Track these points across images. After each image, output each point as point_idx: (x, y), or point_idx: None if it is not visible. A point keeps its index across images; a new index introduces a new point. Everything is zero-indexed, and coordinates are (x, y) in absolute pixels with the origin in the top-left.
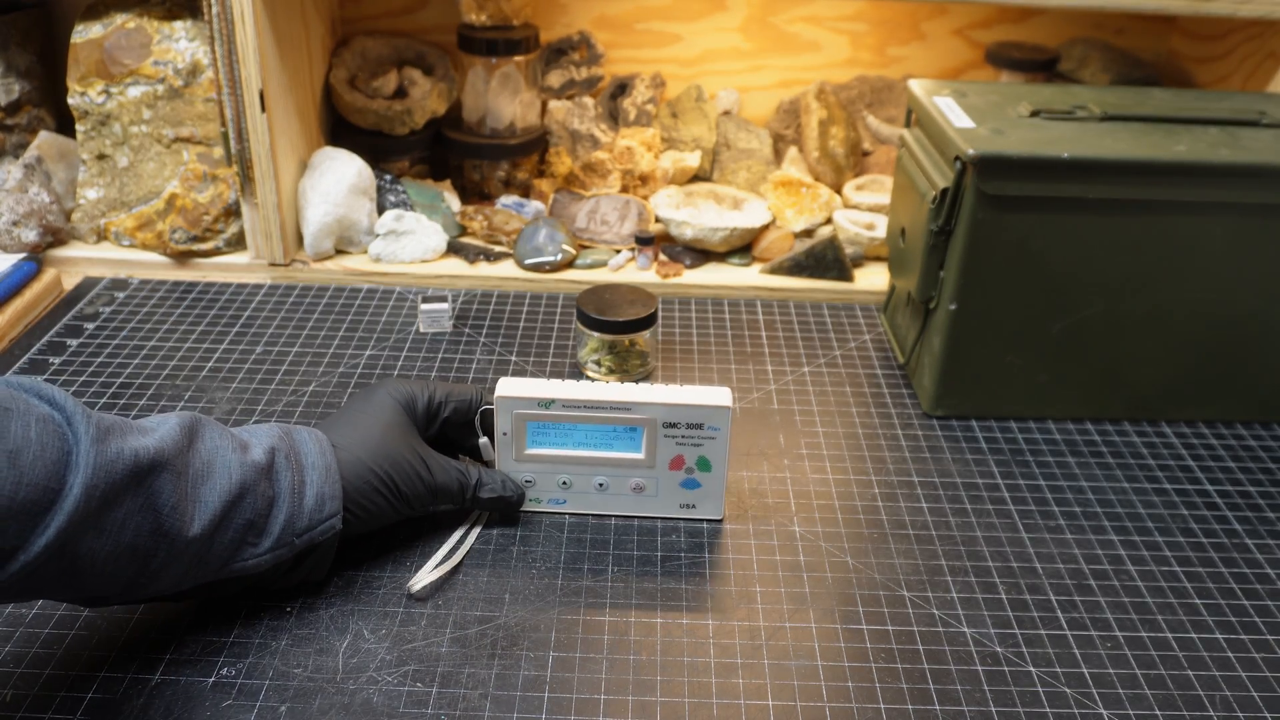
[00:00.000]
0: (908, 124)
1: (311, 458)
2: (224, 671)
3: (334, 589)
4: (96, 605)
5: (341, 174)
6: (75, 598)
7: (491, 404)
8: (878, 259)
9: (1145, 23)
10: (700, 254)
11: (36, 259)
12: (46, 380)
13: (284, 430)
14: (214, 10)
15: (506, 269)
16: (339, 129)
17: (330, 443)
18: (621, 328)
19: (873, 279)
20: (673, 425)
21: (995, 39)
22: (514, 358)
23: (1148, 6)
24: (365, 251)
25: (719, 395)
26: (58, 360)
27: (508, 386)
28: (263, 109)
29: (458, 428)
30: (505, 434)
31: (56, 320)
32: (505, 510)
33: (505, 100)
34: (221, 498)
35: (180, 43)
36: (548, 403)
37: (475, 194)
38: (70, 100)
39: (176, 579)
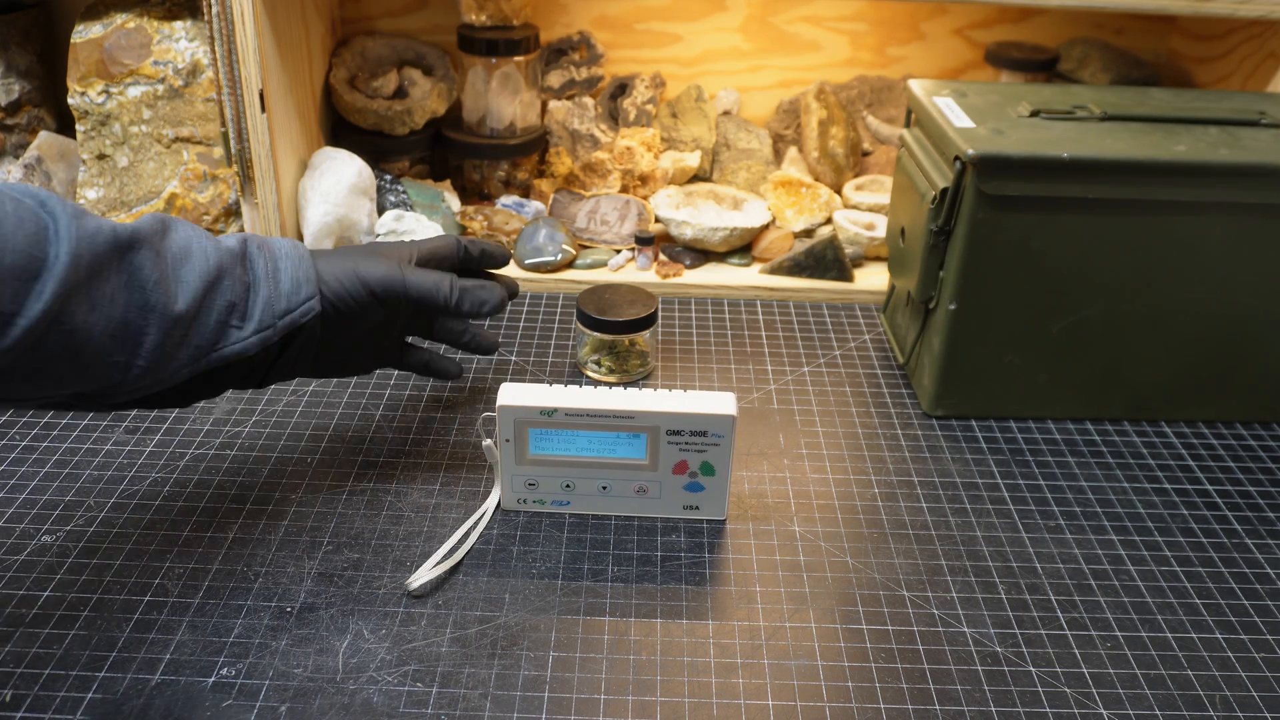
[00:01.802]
0: (908, 124)
1: (284, 249)
2: (224, 671)
3: (334, 589)
4: (105, 402)
5: (341, 174)
6: (83, 388)
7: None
8: (878, 259)
9: (1145, 23)
10: (700, 254)
11: None
12: None
13: (258, 235)
14: (214, 10)
15: (506, 269)
16: (339, 129)
17: (304, 246)
18: (621, 328)
19: (873, 279)
20: (676, 433)
21: (995, 39)
22: (514, 358)
23: (1148, 6)
24: None
25: (723, 403)
26: None
27: (510, 394)
28: (263, 109)
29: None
30: (508, 440)
31: None
32: (491, 305)
33: (505, 100)
34: (201, 277)
35: (180, 43)
36: (550, 411)
37: (475, 194)
38: (70, 100)
39: (172, 363)
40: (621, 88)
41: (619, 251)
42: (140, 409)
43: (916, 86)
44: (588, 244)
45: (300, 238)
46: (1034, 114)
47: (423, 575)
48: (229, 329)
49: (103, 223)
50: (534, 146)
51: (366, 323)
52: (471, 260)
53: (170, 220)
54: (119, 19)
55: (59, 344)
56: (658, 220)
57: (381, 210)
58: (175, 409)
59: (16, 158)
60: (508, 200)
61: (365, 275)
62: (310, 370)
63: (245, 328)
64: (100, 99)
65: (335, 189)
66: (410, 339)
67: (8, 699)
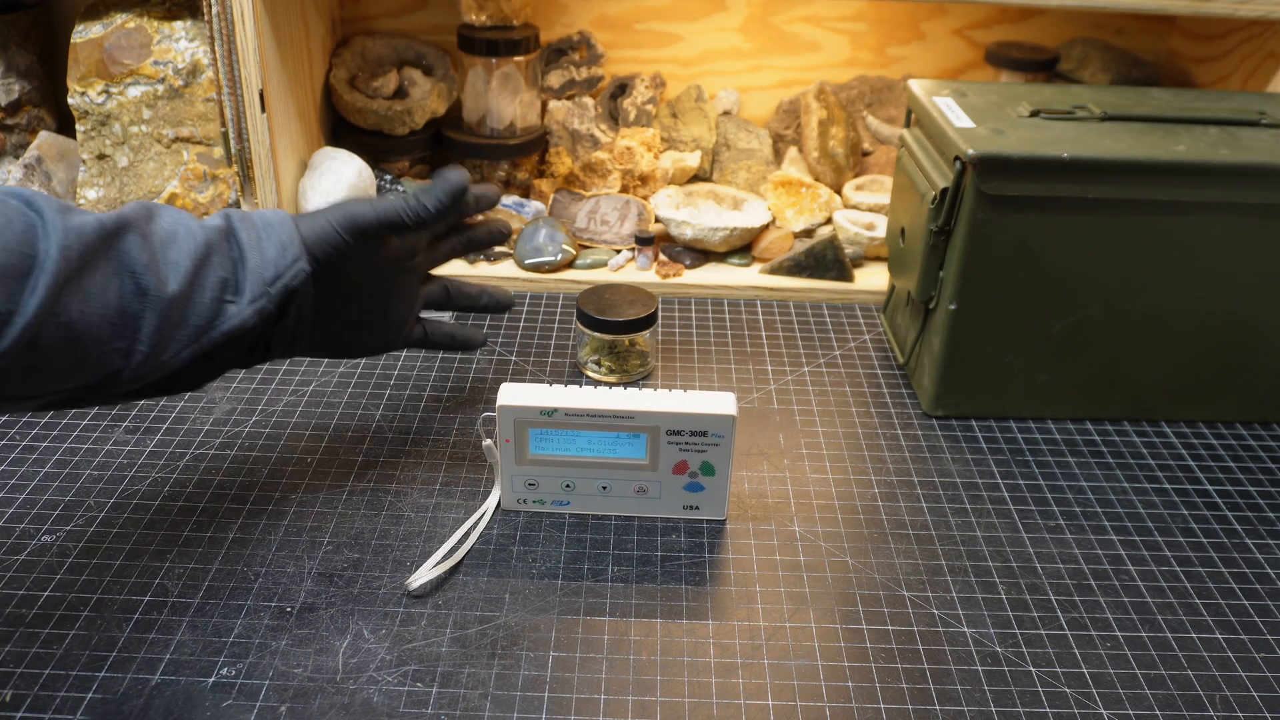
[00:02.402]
0: (908, 124)
1: (266, 218)
2: (224, 671)
3: (334, 589)
4: (111, 392)
5: (341, 174)
6: (86, 380)
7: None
8: (878, 259)
9: (1145, 23)
10: (700, 254)
11: None
12: None
13: (239, 210)
14: (214, 10)
15: (506, 269)
16: (339, 129)
17: (286, 213)
18: (621, 328)
19: (873, 279)
20: (676, 433)
21: (995, 39)
22: (514, 358)
23: (1148, 6)
24: None
25: (723, 403)
26: None
27: (510, 394)
28: (263, 109)
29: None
30: (508, 440)
31: None
32: (452, 195)
33: (505, 100)
34: (190, 256)
35: (180, 43)
36: (550, 412)
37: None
38: (70, 100)
39: (172, 344)
40: (621, 88)
41: (619, 251)
42: (148, 397)
43: (916, 86)
44: (588, 244)
45: None
46: (1034, 114)
47: (423, 575)
48: (224, 304)
49: (88, 215)
50: (534, 146)
51: (361, 276)
52: (467, 208)
53: (154, 206)
54: (119, 19)
55: (57, 337)
56: (658, 220)
57: None
58: (183, 396)
59: (16, 158)
60: (508, 200)
61: (336, 218)
62: (318, 342)
63: (240, 301)
64: (100, 99)
65: (335, 189)
66: (427, 316)
67: (8, 699)
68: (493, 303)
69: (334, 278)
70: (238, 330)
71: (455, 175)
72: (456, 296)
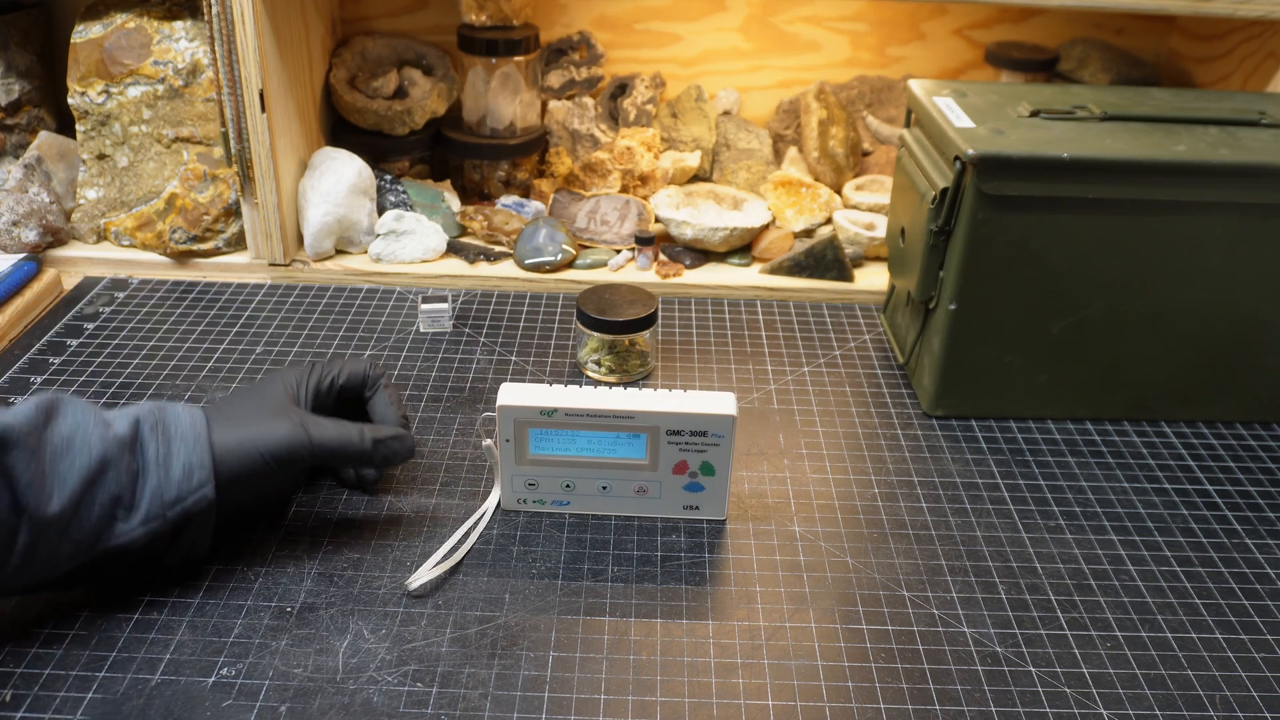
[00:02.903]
0: (908, 124)
1: (181, 429)
2: (224, 671)
3: (334, 589)
4: None
5: (341, 174)
6: None
7: (377, 376)
8: (878, 259)
9: (1145, 23)
10: (700, 254)
11: (36, 259)
12: (46, 380)
13: (156, 406)
14: (214, 10)
15: (506, 269)
16: (339, 129)
17: (204, 416)
18: (621, 328)
19: (873, 279)
20: (676, 433)
21: (995, 39)
22: (514, 358)
23: (1148, 6)
24: (365, 251)
25: (723, 403)
26: (57, 360)
27: (510, 394)
28: (263, 109)
29: (353, 405)
30: (508, 440)
31: (56, 320)
32: (402, 457)
33: (505, 100)
34: (80, 474)
35: (180, 43)
36: (550, 412)
37: (475, 194)
38: (70, 100)
39: (50, 561)
40: (621, 88)
41: (619, 251)
42: (32, 594)
43: (916, 86)
44: (588, 244)
45: (300, 237)
46: (1034, 114)
47: (423, 575)
48: (113, 522)
49: None
50: (534, 146)
51: (268, 486)
52: (375, 382)
53: (60, 405)
54: (119, 19)
55: None
56: (658, 220)
57: (381, 210)
58: (183, 396)
59: (16, 158)
60: (508, 200)
61: (266, 445)
62: (209, 546)
63: (131, 520)
64: (100, 99)
65: (335, 189)
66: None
67: (8, 699)
68: (372, 486)
69: (242, 491)
70: (124, 549)
71: (411, 442)
72: (347, 478)
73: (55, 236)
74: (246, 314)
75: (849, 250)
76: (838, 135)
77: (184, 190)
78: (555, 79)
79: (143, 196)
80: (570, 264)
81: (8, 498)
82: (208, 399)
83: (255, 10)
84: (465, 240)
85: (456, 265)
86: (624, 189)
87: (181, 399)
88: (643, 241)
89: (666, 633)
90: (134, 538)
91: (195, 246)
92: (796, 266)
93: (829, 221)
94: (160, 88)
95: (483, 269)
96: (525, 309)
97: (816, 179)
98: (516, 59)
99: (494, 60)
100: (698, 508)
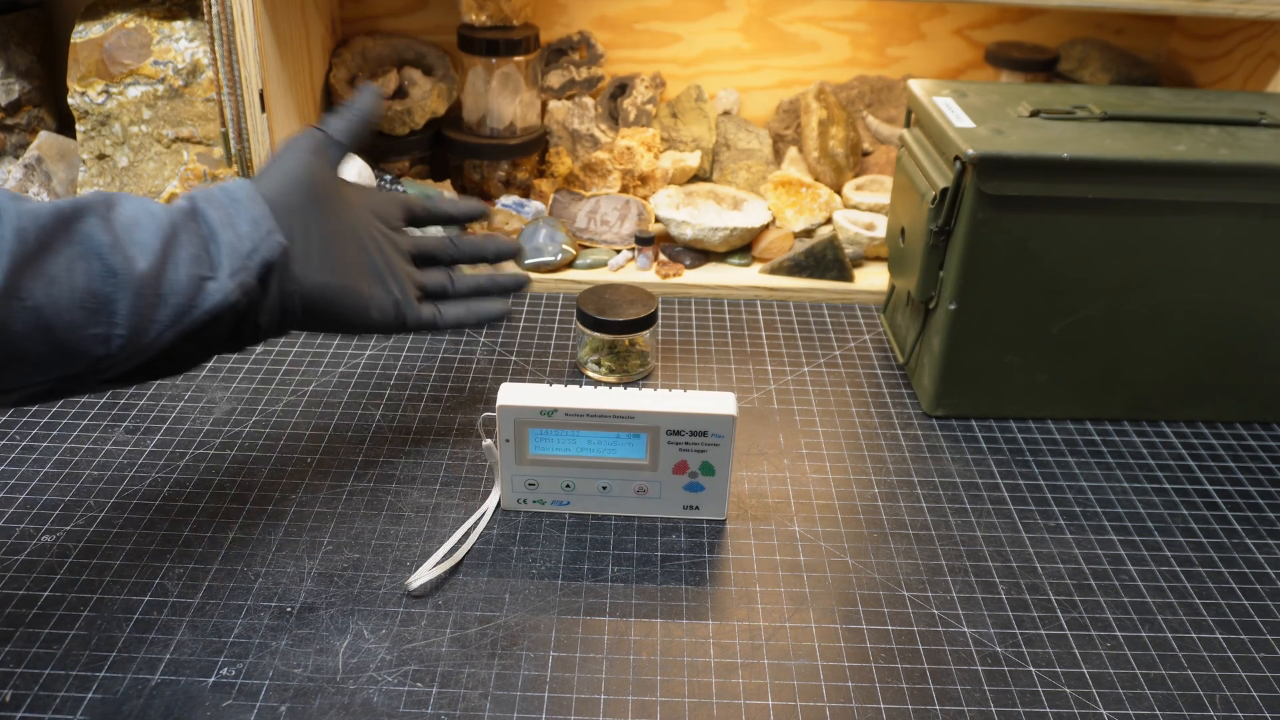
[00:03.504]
0: (908, 124)
1: (231, 192)
2: (224, 671)
3: (334, 589)
4: (95, 379)
5: (341, 174)
6: (67, 369)
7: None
8: (878, 259)
9: (1145, 23)
10: (700, 254)
11: None
12: None
13: (198, 190)
14: (214, 10)
15: (507, 269)
16: None
17: (248, 180)
18: (621, 328)
19: (873, 279)
20: (676, 433)
21: (995, 39)
22: (514, 358)
23: (1148, 6)
24: None
25: (723, 403)
26: None
27: (510, 394)
28: (263, 109)
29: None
30: (508, 440)
31: None
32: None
33: (505, 100)
34: (156, 235)
35: (180, 43)
36: (550, 411)
37: (475, 194)
38: (70, 100)
39: (153, 326)
40: (621, 88)
41: (619, 251)
42: (134, 383)
43: (916, 86)
44: (588, 244)
45: None
46: (1034, 114)
47: (423, 575)
48: (203, 281)
49: (43, 203)
50: (534, 146)
51: (335, 226)
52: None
53: (115, 195)
54: (119, 19)
55: (26, 323)
56: (658, 220)
57: None
58: (184, 395)
59: (16, 158)
60: (508, 200)
61: (296, 179)
62: (312, 307)
63: (218, 276)
64: (100, 99)
65: None
66: (427, 283)
67: (8, 699)
68: (504, 250)
69: (308, 236)
70: (221, 307)
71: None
72: (462, 246)
73: None
74: None
75: (849, 250)
76: (838, 135)
77: (184, 190)
78: (555, 79)
79: (143, 196)
80: (570, 264)
81: (96, 264)
82: (208, 399)
83: (255, 10)
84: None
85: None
86: (624, 189)
87: (181, 399)
88: (643, 241)
89: (666, 633)
90: (228, 292)
91: None
92: (796, 266)
93: (829, 221)
94: (160, 88)
95: (483, 268)
96: (525, 309)
97: (816, 179)
98: (516, 59)
99: (494, 60)
100: (698, 508)
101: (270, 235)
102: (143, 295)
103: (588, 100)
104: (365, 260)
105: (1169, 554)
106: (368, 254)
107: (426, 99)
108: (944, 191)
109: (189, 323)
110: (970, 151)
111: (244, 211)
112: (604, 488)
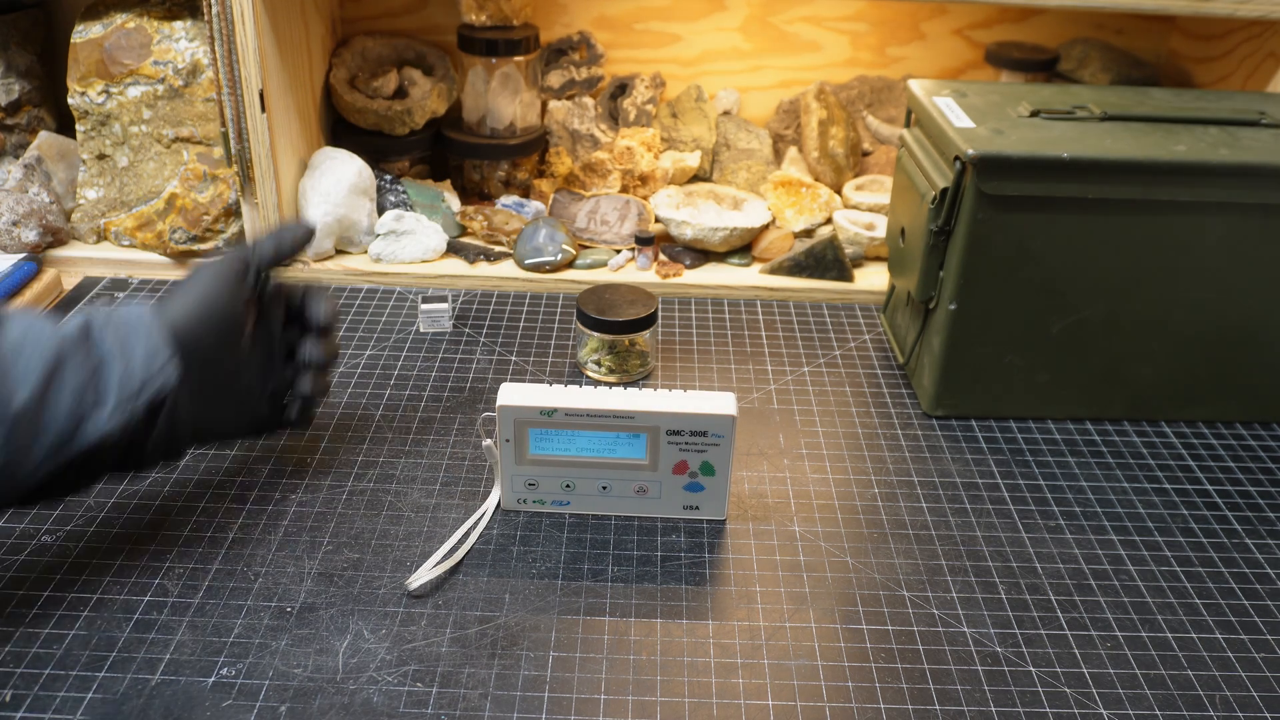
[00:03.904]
0: (908, 124)
1: (131, 319)
2: (224, 671)
3: (334, 589)
4: None
5: (341, 174)
6: None
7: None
8: (878, 259)
9: (1145, 23)
10: (700, 254)
11: (36, 259)
12: None
13: (100, 308)
14: (214, 10)
15: (506, 269)
16: (339, 129)
17: (150, 307)
18: (621, 328)
19: (873, 279)
20: (676, 433)
21: (995, 39)
22: (514, 358)
23: (1148, 6)
24: (365, 251)
25: (723, 403)
26: None
27: (510, 394)
28: (263, 109)
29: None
30: (508, 440)
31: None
32: (297, 236)
33: (505, 100)
34: (40, 367)
35: (180, 43)
36: (550, 411)
37: (475, 194)
38: (70, 100)
39: (29, 460)
40: (621, 88)
41: (619, 251)
42: (18, 508)
43: (916, 86)
44: (588, 244)
45: None
46: (1034, 114)
47: (423, 575)
48: (84, 419)
49: None
50: (534, 146)
51: (241, 350)
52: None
53: (6, 314)
54: (119, 19)
55: None
56: (658, 220)
57: (381, 210)
58: (65, 499)
59: (16, 158)
60: (508, 200)
61: (211, 288)
62: (201, 442)
63: (102, 411)
64: (100, 99)
65: (335, 189)
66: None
67: (8, 699)
68: (299, 238)
69: (205, 374)
70: (101, 441)
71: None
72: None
73: (55, 236)
74: None
75: (849, 250)
76: (838, 135)
77: (184, 190)
78: (555, 79)
79: (143, 196)
80: (570, 264)
81: None
82: None
83: (255, 10)
84: (465, 240)
85: (456, 265)
86: (624, 189)
87: None
88: (643, 241)
89: (666, 633)
90: (110, 429)
91: (195, 247)
92: (796, 266)
93: (829, 221)
94: (160, 88)
95: (483, 269)
96: (525, 309)
97: (816, 179)
98: (516, 59)
99: (494, 60)
100: (698, 508)
101: (164, 369)
102: (17, 430)
103: (588, 100)
104: (258, 388)
105: (1169, 554)
106: (261, 383)
107: (426, 99)
108: (944, 191)
109: (70, 454)
110: (970, 151)
111: (141, 340)
112: (604, 488)
